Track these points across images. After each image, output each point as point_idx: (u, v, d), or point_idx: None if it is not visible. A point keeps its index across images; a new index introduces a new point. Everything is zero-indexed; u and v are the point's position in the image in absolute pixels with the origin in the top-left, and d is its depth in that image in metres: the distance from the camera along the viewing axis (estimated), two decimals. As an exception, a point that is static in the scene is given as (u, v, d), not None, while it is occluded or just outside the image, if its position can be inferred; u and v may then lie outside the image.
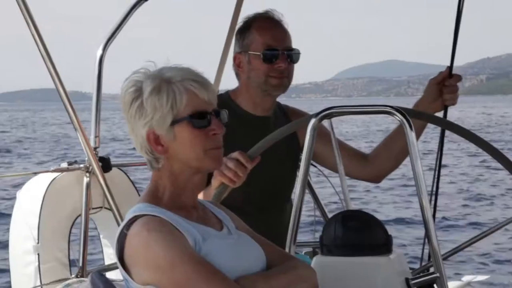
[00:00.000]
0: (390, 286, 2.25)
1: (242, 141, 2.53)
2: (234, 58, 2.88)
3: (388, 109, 2.36)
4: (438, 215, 2.80)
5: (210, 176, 2.32)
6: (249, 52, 2.81)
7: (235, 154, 2.32)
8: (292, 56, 2.83)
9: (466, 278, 4.50)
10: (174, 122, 1.95)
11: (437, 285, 2.31)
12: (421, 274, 2.35)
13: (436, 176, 2.86)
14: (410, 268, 2.52)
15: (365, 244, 2.28)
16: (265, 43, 2.79)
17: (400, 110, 2.34)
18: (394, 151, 2.80)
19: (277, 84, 2.80)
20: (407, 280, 2.28)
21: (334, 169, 2.86)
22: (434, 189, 2.85)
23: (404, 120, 2.32)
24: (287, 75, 2.82)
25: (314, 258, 2.33)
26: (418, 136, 2.60)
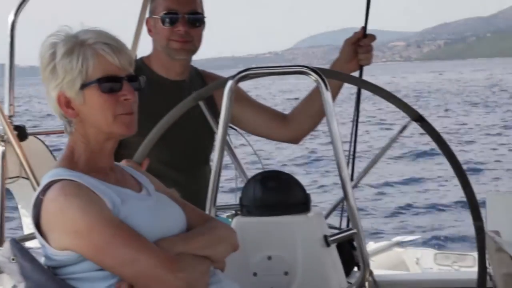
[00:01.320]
0: (308, 244, 2.28)
1: (157, 105, 2.53)
2: (146, 21, 2.88)
3: (303, 69, 2.37)
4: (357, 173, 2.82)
5: None
6: (154, 16, 2.80)
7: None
8: (194, 20, 2.79)
9: (396, 238, 4.55)
10: (83, 86, 1.93)
11: (355, 240, 2.34)
12: (339, 231, 2.38)
13: (353, 134, 2.88)
14: (335, 227, 2.55)
15: (283, 203, 2.31)
16: (166, 7, 2.77)
17: (315, 70, 2.35)
18: (311, 111, 2.80)
19: (179, 48, 2.78)
20: (325, 237, 2.31)
21: (252, 131, 2.87)
22: (352, 148, 2.88)
23: (320, 80, 2.33)
24: (191, 40, 2.79)
25: (234, 219, 2.35)
26: (334, 96, 2.61)
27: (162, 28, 2.77)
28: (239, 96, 2.62)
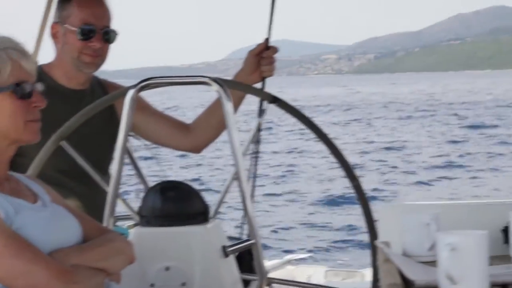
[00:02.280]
0: (206, 254, 2.27)
1: (57, 114, 2.49)
2: (52, 27, 2.81)
3: (205, 79, 2.37)
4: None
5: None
6: (66, 25, 2.74)
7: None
8: (109, 35, 2.77)
9: (287, 257, 4.56)
10: None
11: (252, 251, 2.35)
12: (238, 242, 2.39)
13: (256, 147, 2.88)
14: (234, 237, 2.55)
15: (182, 214, 2.30)
16: (82, 19, 2.72)
17: (217, 80, 2.35)
18: (213, 121, 2.78)
19: (90, 62, 2.75)
20: (223, 247, 2.31)
21: (153, 140, 2.86)
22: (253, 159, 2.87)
23: (221, 91, 2.33)
24: (101, 54, 2.77)
25: (133, 230, 2.33)
26: (236, 107, 2.62)
27: (76, 40, 2.72)
28: (140, 106, 2.60)
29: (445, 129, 31.20)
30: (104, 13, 2.79)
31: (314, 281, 3.28)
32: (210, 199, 2.43)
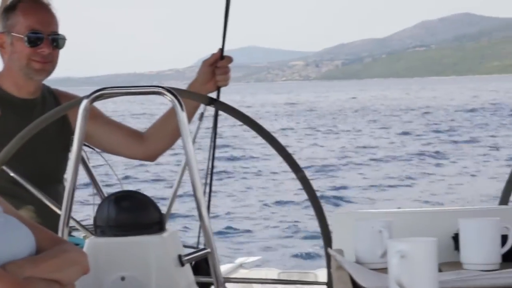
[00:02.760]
0: (162, 263, 2.26)
1: (7, 124, 2.48)
2: None
3: (159, 89, 2.36)
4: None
5: None
6: (12, 33, 2.73)
7: None
8: (57, 41, 2.76)
9: (239, 260, 4.59)
10: None
11: (209, 259, 2.34)
12: (194, 251, 2.38)
13: (211, 155, 2.88)
14: (191, 246, 2.55)
15: (138, 223, 2.28)
16: (29, 26, 2.72)
17: (170, 90, 2.34)
18: (167, 130, 2.79)
19: (40, 68, 2.74)
20: (179, 256, 2.30)
21: (107, 149, 2.85)
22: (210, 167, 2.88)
23: (175, 100, 2.32)
24: (51, 60, 2.76)
25: (87, 240, 2.32)
26: (191, 116, 2.63)
27: (24, 47, 2.71)
28: (94, 115, 2.60)
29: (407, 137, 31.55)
30: (50, 19, 2.79)
31: (268, 284, 3.28)
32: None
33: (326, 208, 2.64)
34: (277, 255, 11.23)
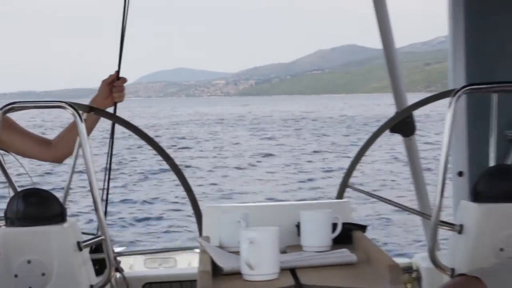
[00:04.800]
0: (63, 249, 2.19)
1: None
2: None
3: (62, 104, 2.29)
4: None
5: None
6: None
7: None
8: None
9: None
10: None
11: (103, 244, 2.29)
12: (91, 237, 2.32)
13: (109, 161, 2.82)
14: (88, 233, 2.48)
15: (42, 216, 2.21)
16: None
17: (71, 104, 2.27)
18: (70, 139, 2.71)
19: None
20: (78, 243, 2.24)
21: (22, 154, 2.76)
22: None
23: (76, 113, 2.26)
24: None
25: None
26: (92, 127, 2.57)
27: None
28: (9, 126, 2.51)
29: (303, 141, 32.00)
30: None
31: (136, 268, 3.21)
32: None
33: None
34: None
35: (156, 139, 2.66)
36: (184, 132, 37.57)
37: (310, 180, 18.67)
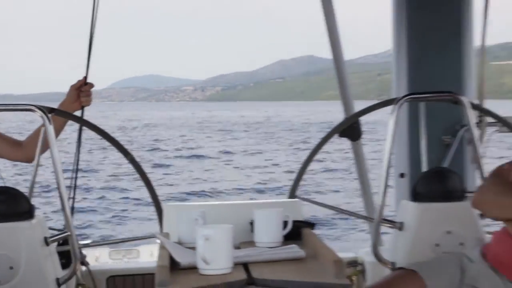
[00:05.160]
0: (31, 245, 2.14)
1: None
2: None
3: (31, 107, 2.24)
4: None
5: None
6: None
7: None
8: None
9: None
10: None
11: (68, 239, 2.25)
12: (57, 233, 2.28)
13: (76, 158, 2.77)
14: (55, 229, 2.44)
15: (11, 212, 2.17)
16: None
17: (40, 108, 2.23)
18: (38, 140, 2.67)
19: None
20: (45, 238, 2.20)
21: None
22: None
23: (44, 116, 2.22)
24: None
25: None
26: (60, 129, 2.53)
27: None
28: None
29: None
30: None
31: (102, 260, 3.17)
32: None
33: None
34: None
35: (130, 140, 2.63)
36: (154, 134, 37.29)
37: (271, 176, 18.67)
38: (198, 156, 25.17)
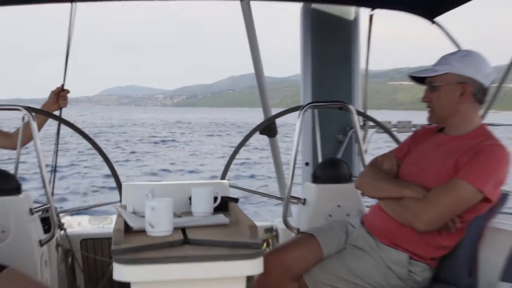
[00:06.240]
0: (19, 214, 2.10)
1: None
2: None
3: (17, 107, 2.20)
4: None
5: None
6: None
7: None
8: None
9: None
10: None
11: (49, 211, 2.21)
12: (39, 206, 2.24)
13: (55, 153, 2.69)
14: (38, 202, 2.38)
15: (2, 189, 2.11)
16: None
17: (26, 107, 2.19)
18: (25, 133, 2.58)
19: None
20: (30, 209, 2.16)
21: None
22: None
23: (29, 114, 2.18)
24: None
25: None
26: (41, 125, 2.47)
27: None
28: None
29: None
30: None
31: (84, 225, 3.12)
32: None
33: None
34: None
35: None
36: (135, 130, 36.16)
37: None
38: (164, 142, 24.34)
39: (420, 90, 1.96)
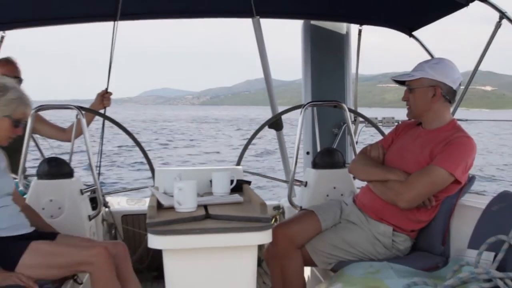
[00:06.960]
0: (72, 194, 2.14)
1: None
2: None
3: (70, 106, 2.24)
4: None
5: None
6: None
7: None
8: None
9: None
10: None
11: (96, 192, 2.25)
12: (88, 186, 2.28)
13: (101, 143, 2.70)
14: (88, 185, 2.41)
15: (59, 173, 2.16)
16: None
17: (77, 107, 2.24)
18: (76, 128, 2.60)
19: None
20: (81, 190, 2.20)
21: (47, 137, 2.58)
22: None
23: (80, 112, 2.22)
24: None
25: (32, 182, 2.16)
26: (90, 121, 2.51)
27: None
28: (38, 119, 2.42)
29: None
30: None
31: (123, 204, 3.16)
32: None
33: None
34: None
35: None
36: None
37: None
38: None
39: (404, 91, 1.96)
